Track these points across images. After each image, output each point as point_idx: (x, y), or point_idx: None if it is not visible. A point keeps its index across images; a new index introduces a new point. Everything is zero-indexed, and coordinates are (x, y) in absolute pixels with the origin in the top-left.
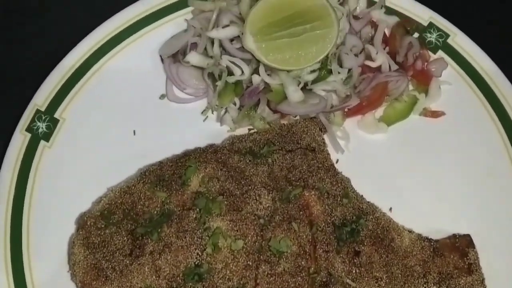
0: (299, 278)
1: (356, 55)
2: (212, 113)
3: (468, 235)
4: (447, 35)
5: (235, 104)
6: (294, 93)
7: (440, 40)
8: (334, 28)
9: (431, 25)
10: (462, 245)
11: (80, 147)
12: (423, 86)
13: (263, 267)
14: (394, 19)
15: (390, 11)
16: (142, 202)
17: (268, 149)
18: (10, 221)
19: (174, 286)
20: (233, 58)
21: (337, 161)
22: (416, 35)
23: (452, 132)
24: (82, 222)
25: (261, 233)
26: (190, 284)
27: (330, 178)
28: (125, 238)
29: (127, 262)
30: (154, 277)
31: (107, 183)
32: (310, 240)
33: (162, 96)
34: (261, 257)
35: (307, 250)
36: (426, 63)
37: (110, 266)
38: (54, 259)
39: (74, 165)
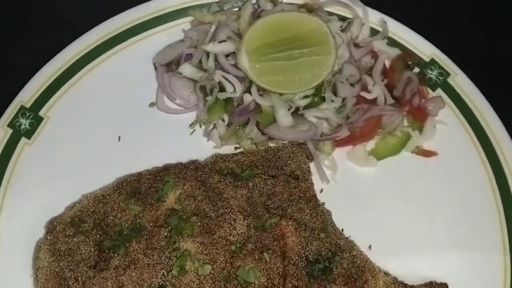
0: None
1: (352, 84)
2: (200, 127)
3: (445, 284)
4: (448, 74)
5: (223, 120)
6: (284, 118)
7: (440, 78)
8: (331, 55)
9: (432, 61)
10: None
11: (61, 148)
12: (418, 123)
13: None
14: (395, 51)
15: (392, 43)
16: (115, 214)
17: (250, 172)
18: None
19: None
20: (226, 74)
21: (321, 191)
22: (416, 70)
23: (442, 174)
24: (52, 227)
25: (231, 260)
26: None
27: (310, 209)
28: (92, 249)
29: (91, 274)
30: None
31: (84, 188)
32: (280, 273)
33: (152, 104)
34: (228, 285)
35: (276, 284)
36: (423, 100)
37: (73, 276)
38: (19, 261)
39: (53, 166)
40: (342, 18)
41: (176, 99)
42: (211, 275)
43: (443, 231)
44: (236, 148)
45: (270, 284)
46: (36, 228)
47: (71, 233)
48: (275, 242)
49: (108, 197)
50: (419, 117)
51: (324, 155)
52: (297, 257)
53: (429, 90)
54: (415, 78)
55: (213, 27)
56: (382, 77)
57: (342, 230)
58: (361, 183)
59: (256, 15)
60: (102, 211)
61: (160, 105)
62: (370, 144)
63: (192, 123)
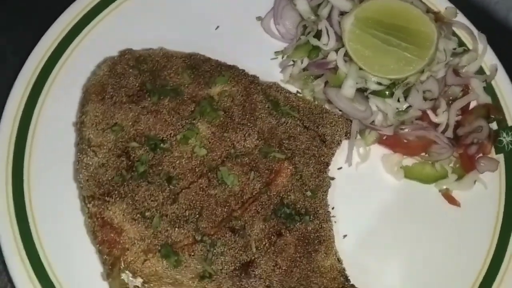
0: (219, 209)
1: (425, 98)
2: (282, 58)
3: None
4: None
5: (301, 62)
6: (349, 88)
7: (510, 146)
8: (423, 63)
9: None
10: None
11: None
12: (461, 170)
13: (202, 181)
14: (487, 99)
15: (489, 90)
16: (170, 72)
17: (289, 111)
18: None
19: (135, 140)
20: (329, 26)
21: (339, 168)
22: (494, 125)
23: (454, 226)
24: (123, 53)
25: (224, 159)
26: (145, 147)
27: (314, 169)
28: (136, 84)
29: (124, 99)
30: (131, 123)
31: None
32: (252, 194)
33: (258, 18)
34: (208, 174)
35: (243, 199)
36: (480, 154)
37: (112, 94)
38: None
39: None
40: (460, 43)
41: (279, 25)
42: (201, 158)
43: (422, 269)
44: (297, 92)
45: (238, 196)
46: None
47: (131, 65)
48: (267, 171)
49: (175, 59)
50: (466, 166)
51: (363, 142)
52: (275, 193)
53: (493, 149)
54: (486, 131)
55: None
56: (459, 112)
57: (333, 208)
58: (376, 186)
59: None
60: (163, 64)
61: (265, 22)
62: (408, 160)
63: (277, 51)
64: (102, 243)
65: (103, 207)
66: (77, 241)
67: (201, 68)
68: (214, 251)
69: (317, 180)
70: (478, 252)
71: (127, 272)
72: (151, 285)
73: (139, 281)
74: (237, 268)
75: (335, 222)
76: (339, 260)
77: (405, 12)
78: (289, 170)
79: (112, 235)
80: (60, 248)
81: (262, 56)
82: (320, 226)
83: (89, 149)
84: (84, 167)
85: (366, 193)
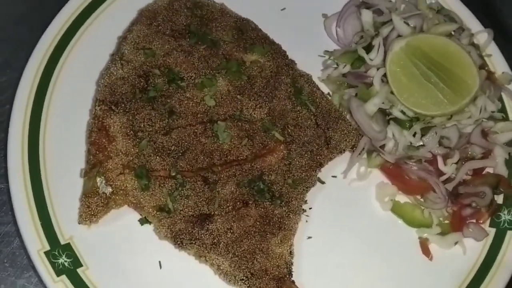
0: (202, 157)
1: (441, 144)
2: (328, 58)
3: None
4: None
5: (343, 67)
6: (372, 106)
7: (507, 226)
8: (452, 109)
9: None
10: None
11: None
12: (447, 226)
13: (198, 126)
14: (503, 171)
15: (508, 163)
16: (218, 25)
17: (308, 102)
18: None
19: (159, 68)
20: (382, 45)
21: (334, 176)
22: (500, 198)
23: (418, 275)
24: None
25: (227, 117)
26: (164, 78)
27: (306, 164)
28: (184, 24)
29: (167, 32)
30: (163, 53)
31: None
32: (237, 158)
33: (324, 16)
34: (206, 124)
35: (227, 158)
36: (472, 220)
37: (161, 24)
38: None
39: None
40: (503, 110)
41: (340, 28)
42: (207, 107)
43: None
44: (328, 93)
45: (223, 154)
46: None
47: (188, 6)
48: (260, 145)
49: (228, 16)
50: (454, 224)
51: (366, 162)
52: (258, 167)
53: (488, 220)
54: (488, 200)
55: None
56: (470, 172)
57: (310, 208)
58: (361, 207)
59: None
60: (215, 17)
61: (328, 21)
62: (401, 197)
63: (327, 51)
64: (93, 144)
65: (107, 113)
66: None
67: (247, 33)
68: (182, 191)
69: (303, 174)
70: None
71: (102, 177)
72: (116, 198)
73: (108, 190)
74: (195, 215)
75: (306, 221)
76: (291, 253)
77: (456, 57)
78: (282, 153)
79: (104, 140)
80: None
81: (311, 50)
82: (287, 215)
83: (119, 61)
84: (108, 75)
85: (348, 209)
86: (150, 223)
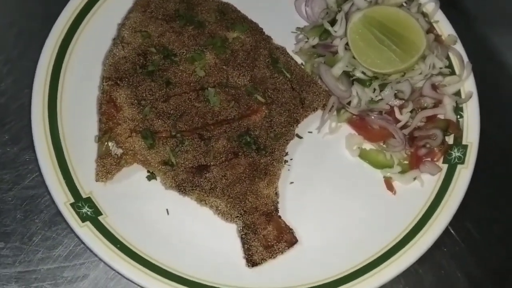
0: (197, 118)
1: (396, 96)
2: (300, 33)
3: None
4: (462, 164)
5: (312, 40)
6: (337, 69)
7: (456, 161)
8: (403, 66)
9: (464, 150)
10: (286, 237)
11: None
12: (406, 165)
13: (192, 94)
14: (451, 116)
15: (456, 110)
16: (202, 9)
17: (283, 70)
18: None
19: (155, 47)
20: (344, 18)
21: (309, 132)
22: (451, 139)
23: (384, 206)
24: None
25: (216, 84)
26: (160, 55)
27: (284, 120)
28: (173, 10)
29: (160, 17)
30: (157, 35)
31: None
32: (227, 118)
33: None
34: (198, 91)
35: (218, 118)
36: (427, 159)
37: (154, 10)
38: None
39: None
40: (449, 66)
41: (309, 7)
42: (198, 77)
43: (343, 230)
44: (301, 64)
45: (215, 115)
46: None
47: None
48: (245, 106)
49: (211, 1)
50: (412, 163)
51: (336, 118)
52: (245, 124)
53: (441, 159)
54: (439, 141)
55: None
56: (424, 120)
57: (291, 159)
58: (333, 155)
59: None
60: (199, 2)
61: (298, 2)
62: (367, 145)
63: (299, 27)
64: (104, 114)
65: (113, 88)
66: (89, 113)
67: (228, 15)
68: (182, 147)
69: (283, 129)
70: (394, 230)
71: (113, 141)
72: (127, 157)
73: (119, 151)
74: (194, 166)
75: (288, 169)
76: (276, 194)
77: (405, 23)
78: (264, 112)
79: (113, 110)
80: (74, 116)
81: (285, 27)
82: (271, 163)
83: (120, 44)
84: (111, 56)
85: (323, 158)
86: (156, 179)
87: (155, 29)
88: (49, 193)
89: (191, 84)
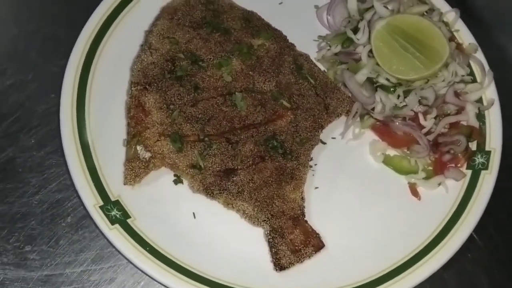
0: (224, 122)
1: (420, 102)
2: (322, 41)
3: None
4: (486, 170)
5: (335, 47)
6: (361, 75)
7: (478, 171)
8: (427, 73)
9: (487, 157)
10: (313, 242)
11: None
12: (431, 171)
13: (219, 98)
14: (474, 123)
15: (479, 117)
16: (228, 17)
17: (308, 76)
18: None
19: (183, 53)
20: (367, 27)
21: (333, 138)
22: (474, 145)
23: (409, 212)
24: None
25: (242, 89)
26: (187, 60)
27: (310, 126)
28: (200, 17)
29: (187, 24)
30: (185, 41)
31: None
32: (254, 122)
33: (316, 7)
34: (226, 95)
35: (245, 122)
36: (452, 164)
37: (181, 18)
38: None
39: None
40: (471, 74)
41: (330, 16)
42: (226, 82)
43: (369, 235)
44: (324, 71)
45: (242, 119)
46: None
47: (202, 2)
48: (271, 111)
49: (236, 9)
50: (436, 169)
51: (360, 124)
52: (271, 129)
53: (465, 164)
54: (463, 147)
55: None
56: (447, 126)
57: (315, 164)
58: (358, 161)
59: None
60: (225, 10)
61: (319, 11)
62: (391, 151)
63: (321, 36)
64: (132, 118)
65: (142, 92)
66: (117, 117)
67: (253, 22)
68: (210, 151)
69: (308, 134)
70: (420, 236)
71: (141, 145)
72: (155, 161)
73: (148, 155)
74: (222, 170)
75: (313, 174)
76: (302, 198)
77: (428, 31)
78: (289, 117)
79: (141, 114)
80: (102, 120)
81: (306, 36)
82: (297, 167)
83: (148, 50)
84: (140, 62)
85: (347, 163)
86: (182, 182)
87: (183, 35)
88: (76, 197)
89: (219, 89)
